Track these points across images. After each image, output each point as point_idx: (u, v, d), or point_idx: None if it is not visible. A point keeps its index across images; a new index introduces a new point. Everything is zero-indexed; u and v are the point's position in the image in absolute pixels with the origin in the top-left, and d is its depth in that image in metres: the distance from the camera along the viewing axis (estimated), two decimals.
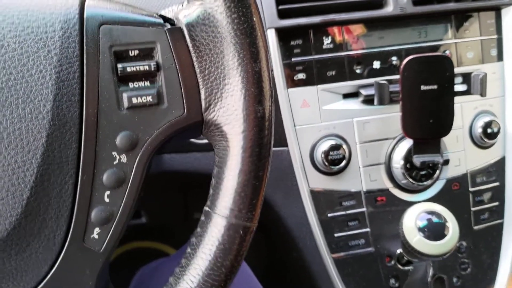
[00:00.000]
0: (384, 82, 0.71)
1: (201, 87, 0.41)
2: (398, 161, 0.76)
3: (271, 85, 0.42)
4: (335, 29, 0.76)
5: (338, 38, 0.76)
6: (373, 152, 0.77)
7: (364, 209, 0.78)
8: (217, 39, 0.40)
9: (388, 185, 0.78)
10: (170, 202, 1.08)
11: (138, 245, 1.21)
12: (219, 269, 0.41)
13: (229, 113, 0.41)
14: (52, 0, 0.40)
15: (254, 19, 0.41)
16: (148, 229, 1.16)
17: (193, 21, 0.41)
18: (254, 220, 0.42)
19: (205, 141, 0.76)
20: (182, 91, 0.41)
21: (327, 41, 0.76)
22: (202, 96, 0.42)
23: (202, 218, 0.43)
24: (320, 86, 0.76)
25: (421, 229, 0.68)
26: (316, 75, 0.76)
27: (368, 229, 0.78)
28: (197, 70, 0.41)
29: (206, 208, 0.43)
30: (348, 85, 0.77)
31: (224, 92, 0.41)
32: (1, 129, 0.37)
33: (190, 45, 0.41)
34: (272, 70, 0.41)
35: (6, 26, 0.38)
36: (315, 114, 0.76)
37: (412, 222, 0.68)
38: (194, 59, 0.41)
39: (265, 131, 0.41)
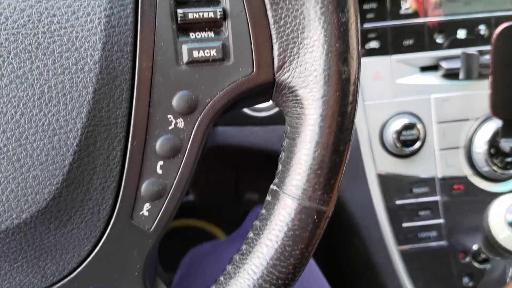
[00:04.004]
0: (474, 53, 0.62)
1: (274, 41, 0.35)
2: (480, 145, 0.68)
3: (359, 41, 0.35)
4: None
5: (418, 3, 0.68)
6: (451, 133, 0.69)
7: (438, 198, 0.70)
8: None
9: (467, 172, 0.71)
10: (221, 179, 1.02)
11: (182, 223, 1.17)
12: (286, 259, 0.35)
13: (307, 73, 0.34)
14: None
15: None
16: (194, 207, 1.11)
17: None
18: (331, 204, 0.36)
19: (264, 113, 0.70)
20: (252, 45, 0.34)
21: (405, 5, 0.68)
22: (275, 52, 0.35)
23: (268, 198, 0.37)
24: (395, 57, 0.68)
25: (511, 224, 0.59)
26: (391, 44, 0.68)
27: (441, 220, 0.70)
28: (271, 20, 0.34)
29: (273, 187, 0.36)
30: (426, 57, 0.69)
31: (302, 47, 0.34)
32: (42, 82, 0.31)
33: None
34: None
35: None
36: (387, 88, 0.68)
37: (500, 215, 0.59)
38: (268, 6, 0.34)
39: (350, 96, 0.34)
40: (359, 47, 0.35)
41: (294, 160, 0.35)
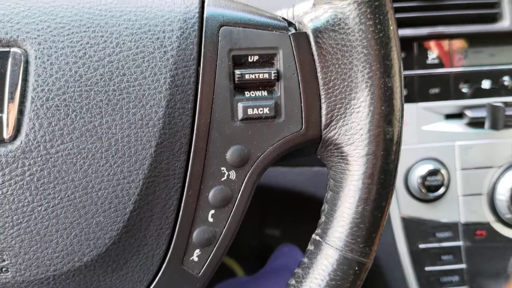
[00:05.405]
0: (500, 104, 0.64)
1: (323, 100, 0.37)
2: (503, 193, 0.69)
3: (403, 104, 0.37)
4: (442, 43, 0.70)
5: (444, 53, 0.70)
6: (475, 180, 0.71)
7: (460, 243, 0.71)
8: (347, 48, 0.36)
9: (489, 218, 0.71)
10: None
11: None
12: None
13: (353, 132, 0.36)
14: None
15: (391, 28, 0.36)
16: None
17: (320, 27, 0.36)
18: (371, 256, 0.37)
19: None
20: (302, 104, 0.37)
21: (432, 55, 0.70)
22: (323, 111, 0.37)
23: (311, 247, 0.38)
24: (421, 104, 0.70)
25: None
26: (417, 91, 0.70)
27: (463, 266, 0.71)
28: (321, 82, 0.37)
29: (316, 237, 0.38)
30: (451, 105, 0.71)
31: (349, 108, 0.36)
32: (110, 135, 0.34)
33: (315, 53, 0.37)
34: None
35: (123, 22, 0.35)
36: (412, 135, 0.70)
37: None
38: (319, 69, 0.37)
39: (393, 155, 0.36)
40: (403, 109, 0.37)
41: (337, 213, 0.37)
